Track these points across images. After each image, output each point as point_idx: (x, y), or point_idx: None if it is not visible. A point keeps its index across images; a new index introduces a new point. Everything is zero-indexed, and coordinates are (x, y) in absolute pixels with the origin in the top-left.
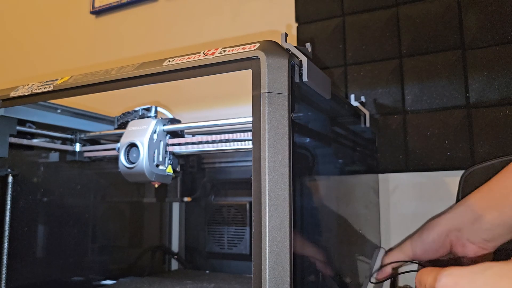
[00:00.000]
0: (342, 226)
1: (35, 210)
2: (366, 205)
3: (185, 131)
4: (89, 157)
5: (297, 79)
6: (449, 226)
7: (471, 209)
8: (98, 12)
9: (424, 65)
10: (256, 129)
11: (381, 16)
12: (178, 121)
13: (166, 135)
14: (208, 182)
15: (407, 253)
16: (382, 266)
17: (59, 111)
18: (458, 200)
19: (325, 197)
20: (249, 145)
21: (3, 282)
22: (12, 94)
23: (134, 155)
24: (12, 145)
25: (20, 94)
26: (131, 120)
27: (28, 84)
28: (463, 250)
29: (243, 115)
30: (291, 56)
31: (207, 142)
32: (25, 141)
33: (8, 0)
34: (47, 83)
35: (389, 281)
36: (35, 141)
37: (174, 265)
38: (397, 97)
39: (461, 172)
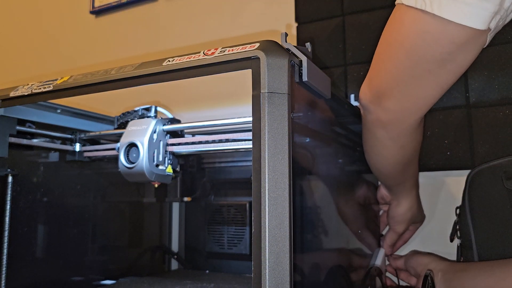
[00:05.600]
0: (342, 226)
1: (35, 210)
2: (366, 205)
3: (185, 131)
4: (89, 157)
5: (297, 79)
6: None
7: None
8: (98, 12)
9: None
10: (256, 129)
11: (381, 16)
12: (178, 121)
13: (166, 135)
14: (208, 182)
15: None
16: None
17: (59, 111)
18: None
19: (325, 197)
20: (249, 145)
21: (3, 282)
22: (12, 94)
23: (134, 155)
24: (12, 145)
25: (20, 94)
26: (131, 120)
27: (28, 84)
28: None
29: (243, 115)
30: (291, 55)
31: (207, 142)
32: (25, 141)
33: (8, 0)
34: (47, 83)
35: None
36: (35, 141)
37: (174, 265)
38: None
39: (461, 172)
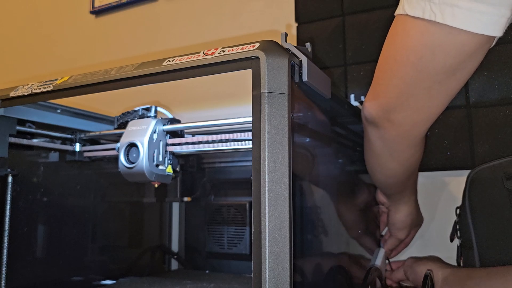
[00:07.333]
0: (342, 226)
1: (35, 210)
2: (366, 205)
3: (185, 131)
4: (89, 157)
5: (297, 79)
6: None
7: None
8: (98, 12)
9: None
10: (256, 129)
11: (381, 16)
12: (178, 121)
13: (166, 135)
14: (208, 182)
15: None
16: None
17: (59, 111)
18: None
19: (325, 197)
20: (249, 145)
21: (3, 282)
22: (12, 94)
23: (134, 155)
24: (12, 145)
25: (20, 94)
26: (131, 120)
27: (28, 84)
28: None
29: (243, 115)
30: (291, 55)
31: (207, 142)
32: (25, 141)
33: (8, 0)
34: (47, 83)
35: None
36: (35, 141)
37: (174, 265)
38: None
39: (461, 172)
